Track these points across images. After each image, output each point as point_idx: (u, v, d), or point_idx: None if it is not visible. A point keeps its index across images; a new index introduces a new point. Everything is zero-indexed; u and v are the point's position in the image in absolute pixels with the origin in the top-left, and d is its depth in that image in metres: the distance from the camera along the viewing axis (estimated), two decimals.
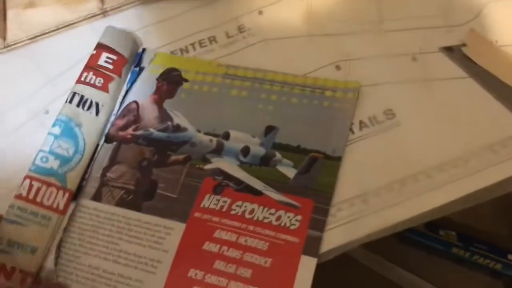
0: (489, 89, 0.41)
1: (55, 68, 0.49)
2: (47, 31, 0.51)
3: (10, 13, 0.52)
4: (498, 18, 0.45)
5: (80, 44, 0.49)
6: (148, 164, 0.42)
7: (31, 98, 0.48)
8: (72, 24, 0.51)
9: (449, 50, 0.43)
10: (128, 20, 0.51)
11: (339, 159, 0.39)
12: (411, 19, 0.46)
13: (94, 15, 0.51)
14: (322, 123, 0.41)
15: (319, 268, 0.36)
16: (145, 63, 0.47)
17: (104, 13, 0.51)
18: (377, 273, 0.78)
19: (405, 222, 0.37)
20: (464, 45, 0.44)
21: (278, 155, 0.40)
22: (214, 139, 0.42)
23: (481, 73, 0.42)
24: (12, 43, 0.51)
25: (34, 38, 0.51)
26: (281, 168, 0.40)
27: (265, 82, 0.44)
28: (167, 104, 0.44)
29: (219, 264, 0.36)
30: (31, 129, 0.46)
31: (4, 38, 0.51)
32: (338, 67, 0.44)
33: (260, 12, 0.49)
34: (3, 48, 0.51)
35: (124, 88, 0.46)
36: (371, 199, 0.38)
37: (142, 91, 0.45)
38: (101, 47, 0.45)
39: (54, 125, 0.42)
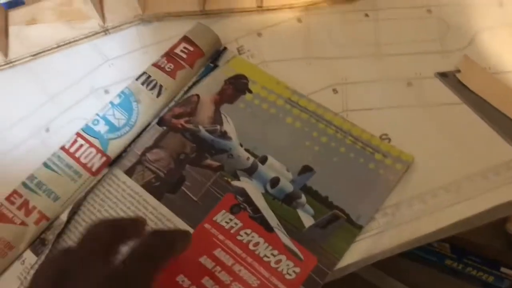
0: (482, 115, 0.42)
1: (56, 86, 0.49)
2: (48, 48, 0.51)
3: (12, 29, 0.52)
4: (491, 45, 0.46)
5: (81, 61, 0.50)
6: (185, 158, 0.43)
7: (32, 115, 0.48)
8: (73, 41, 0.51)
9: (443, 75, 0.44)
10: (128, 38, 0.51)
11: (360, 228, 0.37)
12: (408, 43, 0.47)
13: (95, 33, 0.51)
14: (360, 185, 0.39)
15: None
16: (221, 61, 0.47)
17: (105, 31, 0.51)
18: (367, 281, 0.79)
19: (398, 247, 0.38)
20: (458, 71, 0.44)
21: (303, 198, 0.39)
22: (251, 159, 0.42)
23: (475, 99, 0.43)
24: (14, 60, 0.51)
25: (35, 55, 0.51)
26: (300, 213, 0.39)
27: (322, 120, 0.42)
28: (224, 108, 0.45)
29: (207, 282, 0.37)
30: (32, 147, 0.46)
31: (6, 55, 0.51)
32: (335, 91, 0.45)
33: (259, 34, 0.49)
34: (4, 65, 0.51)
35: (193, 79, 0.47)
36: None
37: (208, 87, 0.46)
38: (184, 39, 0.47)
39: (117, 95, 0.44)
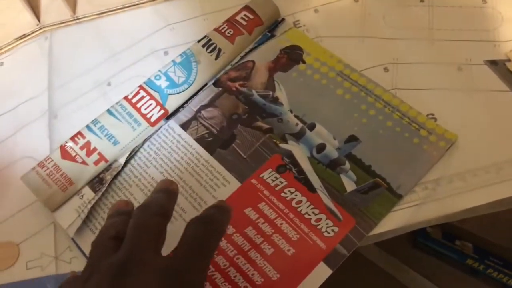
0: None
1: (119, 44, 0.52)
2: (113, 8, 0.54)
3: None
4: None
5: (143, 23, 0.53)
6: (237, 118, 0.45)
7: (95, 69, 0.51)
8: (138, 4, 0.54)
9: (493, 63, 0.45)
10: (190, 5, 0.53)
11: (399, 196, 0.39)
12: (461, 31, 0.48)
13: None
14: (403, 157, 0.41)
15: None
16: (278, 32, 0.50)
17: None
18: (389, 274, 0.81)
19: (436, 219, 0.40)
20: (509, 60, 0.45)
21: (347, 165, 0.41)
22: (300, 125, 0.44)
23: None
24: (80, 17, 0.54)
25: (101, 14, 0.54)
26: (343, 178, 0.41)
27: (372, 94, 0.44)
28: (277, 75, 0.47)
29: (250, 231, 0.39)
30: (94, 98, 0.49)
31: (74, 11, 0.54)
32: (386, 69, 0.46)
33: (316, 11, 0.51)
34: (72, 21, 0.54)
35: (250, 46, 0.49)
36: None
37: (263, 55, 0.48)
38: (246, 7, 0.49)
39: (178, 55, 0.47)
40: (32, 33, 0.54)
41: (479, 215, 0.40)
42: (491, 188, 0.40)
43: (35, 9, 0.54)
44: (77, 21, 0.54)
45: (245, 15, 0.49)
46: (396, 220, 0.39)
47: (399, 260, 0.83)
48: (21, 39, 0.54)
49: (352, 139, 0.42)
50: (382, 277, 0.82)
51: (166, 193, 0.34)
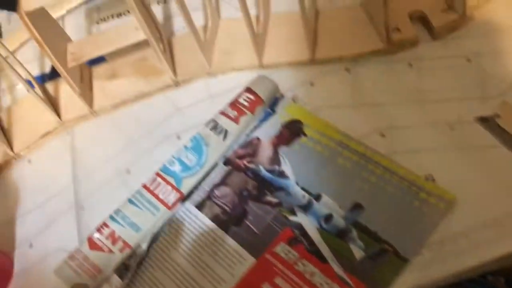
0: None
1: (135, 132, 0.56)
2: (127, 99, 0.59)
3: (95, 84, 0.60)
4: None
5: (156, 111, 0.57)
6: (248, 195, 0.48)
7: (115, 158, 0.55)
8: (149, 94, 0.58)
9: (484, 120, 0.47)
10: (197, 90, 0.57)
11: (406, 260, 0.41)
12: (449, 90, 0.50)
13: (168, 86, 0.58)
14: (406, 221, 0.43)
15: None
16: (278, 107, 0.53)
17: (176, 84, 0.58)
18: None
19: (443, 279, 0.42)
20: (498, 116, 0.47)
21: (354, 233, 0.44)
22: (307, 196, 0.47)
23: None
24: (98, 110, 0.59)
25: (116, 106, 0.59)
26: (352, 246, 0.43)
27: (371, 161, 0.47)
28: (282, 149, 0.50)
29: None
30: (116, 186, 0.53)
31: (91, 106, 0.59)
32: (382, 135, 0.49)
33: (312, 84, 0.54)
34: (90, 115, 0.59)
35: (254, 124, 0.53)
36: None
37: (267, 131, 0.52)
38: (247, 89, 0.53)
39: (189, 140, 0.51)
40: (55, 129, 0.59)
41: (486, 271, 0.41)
42: (495, 243, 0.41)
43: (56, 108, 0.59)
44: (95, 114, 0.59)
45: (247, 96, 0.53)
46: (405, 283, 0.41)
47: None
48: (45, 136, 0.59)
49: (357, 207, 0.45)
50: None
51: None
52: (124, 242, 0.47)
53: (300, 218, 0.46)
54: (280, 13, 0.59)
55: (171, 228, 0.48)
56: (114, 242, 0.47)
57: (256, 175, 0.50)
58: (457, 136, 0.47)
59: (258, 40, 0.55)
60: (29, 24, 0.49)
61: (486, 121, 0.47)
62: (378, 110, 0.51)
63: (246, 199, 0.48)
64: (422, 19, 0.54)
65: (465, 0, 0.50)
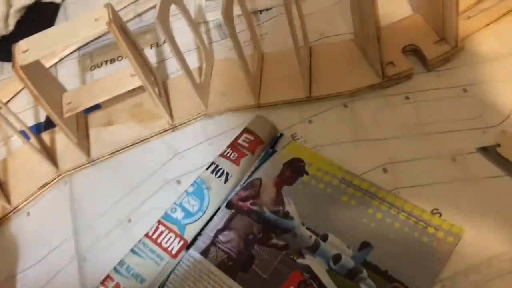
0: None
1: (134, 179, 0.56)
2: (124, 146, 0.58)
3: (92, 132, 0.60)
4: None
5: (154, 156, 0.57)
6: (253, 238, 0.48)
7: (115, 206, 0.55)
8: (146, 139, 0.58)
9: (485, 150, 0.47)
10: (194, 132, 0.57)
11: None
12: (448, 122, 0.50)
13: (165, 130, 0.58)
14: (416, 258, 0.42)
15: None
16: (278, 146, 0.53)
17: (173, 127, 0.58)
18: None
19: None
20: (498, 145, 0.47)
21: (364, 273, 0.43)
22: (313, 237, 0.46)
23: None
24: (95, 158, 0.58)
25: (113, 153, 0.58)
26: (363, 287, 0.42)
27: (376, 198, 0.47)
28: (284, 189, 0.50)
29: None
30: (117, 236, 0.52)
31: (89, 155, 0.58)
32: (385, 170, 0.49)
33: (310, 121, 0.54)
34: (88, 163, 0.58)
35: (255, 164, 0.52)
36: None
37: (268, 171, 0.52)
38: (245, 130, 0.53)
39: (190, 185, 0.51)
40: (52, 180, 0.58)
41: None
42: (508, 276, 0.40)
43: (52, 158, 0.59)
44: (93, 163, 0.58)
45: (246, 137, 0.52)
46: None
47: None
48: (43, 187, 0.58)
49: (365, 245, 0.44)
50: None
51: None
52: None
53: (308, 260, 0.45)
54: (274, 52, 0.60)
55: (176, 277, 0.47)
56: None
57: (260, 218, 0.49)
58: (460, 168, 0.47)
59: (254, 80, 0.55)
60: (25, 78, 0.48)
61: (487, 151, 0.47)
62: (378, 145, 0.50)
63: (251, 243, 0.47)
64: (415, 51, 0.55)
65: (457, 31, 0.51)
